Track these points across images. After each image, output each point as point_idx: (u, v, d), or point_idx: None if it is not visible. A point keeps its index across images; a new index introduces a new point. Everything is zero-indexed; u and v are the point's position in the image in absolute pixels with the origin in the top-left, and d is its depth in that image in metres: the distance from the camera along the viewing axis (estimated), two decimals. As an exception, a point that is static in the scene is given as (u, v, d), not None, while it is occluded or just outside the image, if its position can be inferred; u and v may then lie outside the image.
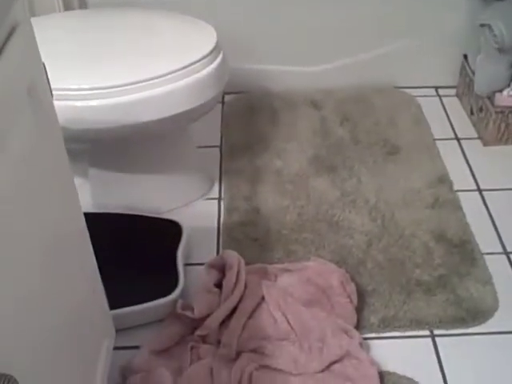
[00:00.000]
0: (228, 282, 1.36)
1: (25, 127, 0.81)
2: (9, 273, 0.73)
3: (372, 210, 1.67)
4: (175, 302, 1.36)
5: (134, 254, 1.46)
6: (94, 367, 1.07)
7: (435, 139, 1.92)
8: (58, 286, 0.91)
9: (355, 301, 1.39)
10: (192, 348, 1.32)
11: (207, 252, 1.54)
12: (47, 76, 0.89)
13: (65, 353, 0.93)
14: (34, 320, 0.81)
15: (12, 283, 0.74)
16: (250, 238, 1.59)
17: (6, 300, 0.72)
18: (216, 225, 1.64)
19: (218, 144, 1.90)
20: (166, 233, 1.52)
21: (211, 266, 1.42)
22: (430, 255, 1.54)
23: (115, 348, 1.25)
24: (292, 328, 1.30)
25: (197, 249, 1.56)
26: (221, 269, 1.41)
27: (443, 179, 1.77)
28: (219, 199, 1.72)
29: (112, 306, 1.24)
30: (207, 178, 1.75)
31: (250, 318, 1.33)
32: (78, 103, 1.37)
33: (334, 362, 1.27)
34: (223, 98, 2.08)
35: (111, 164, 1.60)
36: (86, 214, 1.06)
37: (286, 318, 1.31)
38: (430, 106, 2.07)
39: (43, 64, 0.88)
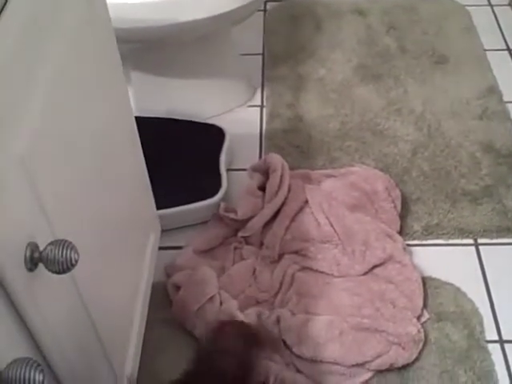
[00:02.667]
0: (271, 185, 1.35)
1: (77, 10, 0.79)
2: (66, 169, 0.73)
3: (418, 120, 1.63)
4: (218, 204, 1.37)
5: (178, 157, 1.46)
6: (142, 258, 1.09)
7: (485, 50, 1.84)
8: (111, 181, 0.91)
9: (399, 207, 1.37)
10: (235, 249, 1.33)
11: (249, 158, 1.53)
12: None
13: (117, 241, 0.94)
14: (92, 209, 0.81)
15: (70, 178, 0.74)
16: (292, 145, 1.57)
17: (68, 193, 0.73)
18: (258, 132, 1.62)
19: (261, 52, 1.86)
20: (208, 137, 1.51)
21: (255, 169, 1.41)
22: (477, 165, 1.51)
23: (160, 248, 1.27)
24: (335, 231, 1.30)
25: (239, 155, 1.55)
26: (264, 172, 1.40)
27: (493, 90, 1.71)
28: (261, 106, 1.69)
29: (157, 207, 1.25)
30: (249, 85, 1.72)
31: (293, 220, 1.33)
32: (118, 0, 1.34)
33: (377, 266, 1.27)
34: (265, 5, 2.02)
35: (154, 68, 1.57)
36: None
37: (329, 221, 1.31)
38: (480, 16, 1.97)
39: None
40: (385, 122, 1.63)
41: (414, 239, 1.37)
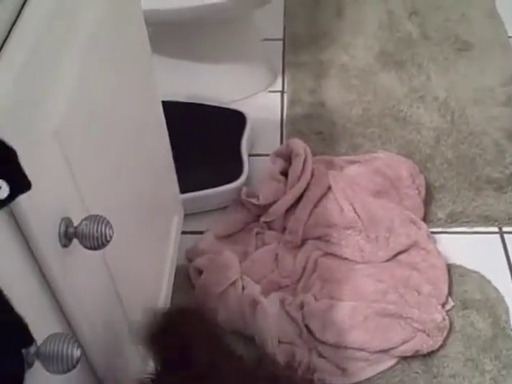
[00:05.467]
0: (294, 170, 1.34)
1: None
2: (97, 146, 0.72)
3: (441, 107, 1.61)
4: (240, 189, 1.36)
5: (199, 141, 1.45)
6: (167, 240, 1.08)
7: (510, 36, 1.82)
8: (138, 162, 0.91)
9: (423, 194, 1.36)
10: (257, 234, 1.32)
11: (271, 143, 1.52)
12: None
13: (143, 222, 0.93)
14: (120, 189, 0.81)
15: (101, 156, 0.74)
16: (314, 131, 1.56)
17: (99, 170, 0.72)
18: (279, 117, 1.61)
19: (281, 37, 1.84)
20: (230, 122, 1.50)
21: (277, 154, 1.40)
22: (502, 153, 1.49)
23: (181, 233, 1.26)
24: (359, 217, 1.28)
25: (260, 140, 1.54)
26: (287, 158, 1.39)
27: (517, 77, 1.68)
28: (282, 92, 1.68)
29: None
30: (270, 71, 1.71)
31: (315, 206, 1.31)
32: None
33: (401, 252, 1.26)
34: (286, -10, 2.00)
35: (176, 52, 1.56)
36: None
37: (352, 206, 1.29)
38: (504, 2, 1.93)
39: None
40: (408, 108, 1.61)
41: (438, 227, 1.36)
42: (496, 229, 1.36)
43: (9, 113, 0.51)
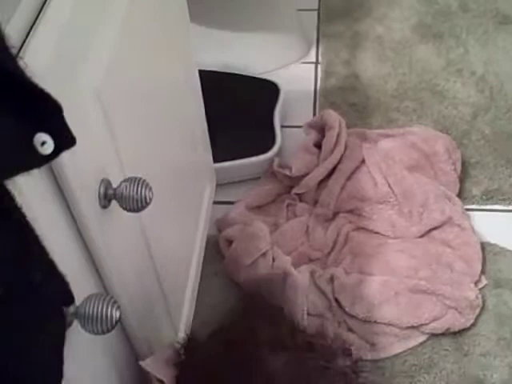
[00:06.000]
0: (328, 142, 1.32)
1: None
2: (135, 109, 0.71)
3: (479, 81, 1.57)
4: (272, 160, 1.34)
5: (232, 111, 1.43)
6: (199, 209, 1.08)
7: (552, 12, 1.76)
8: (174, 128, 0.90)
9: (459, 170, 1.33)
10: (288, 206, 1.30)
11: (304, 115, 1.49)
12: None
13: (177, 189, 0.93)
14: (157, 153, 0.80)
15: (139, 119, 0.73)
16: (347, 103, 1.53)
17: (137, 134, 0.71)
18: (313, 89, 1.58)
19: (316, 7, 1.81)
20: (263, 92, 1.48)
21: (311, 126, 1.37)
22: (541, 130, 1.45)
23: (213, 203, 1.25)
24: (392, 191, 1.26)
25: (293, 112, 1.52)
26: (320, 130, 1.36)
27: (559, 53, 1.63)
28: (316, 63, 1.65)
29: (210, 161, 1.23)
30: (304, 41, 1.68)
31: (349, 179, 1.29)
32: None
33: (435, 228, 1.24)
34: (321, -41, 1.95)
35: (210, 21, 1.54)
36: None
37: (386, 180, 1.27)
38: (548, -24, 1.88)
39: None
40: (444, 82, 1.57)
41: (472, 204, 1.33)
42: (532, 207, 1.33)
43: (53, 68, 0.50)
